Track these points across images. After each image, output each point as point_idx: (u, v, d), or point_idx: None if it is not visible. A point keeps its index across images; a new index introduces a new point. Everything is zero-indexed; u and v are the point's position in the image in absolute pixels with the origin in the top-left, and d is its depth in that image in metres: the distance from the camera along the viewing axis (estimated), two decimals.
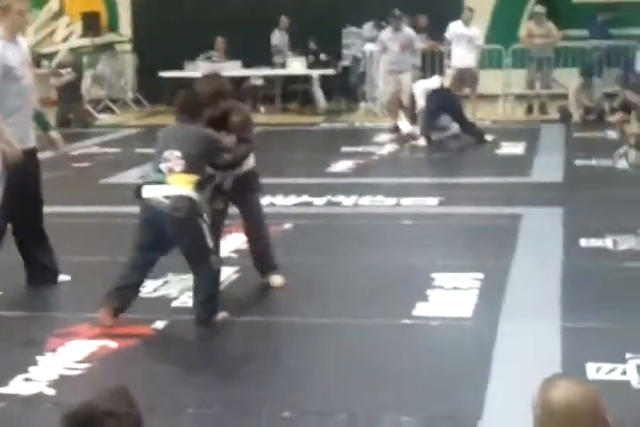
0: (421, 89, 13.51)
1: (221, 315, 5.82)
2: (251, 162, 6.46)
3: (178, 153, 5.66)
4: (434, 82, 13.62)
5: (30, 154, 6.56)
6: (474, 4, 18.62)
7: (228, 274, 6.74)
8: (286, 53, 18.69)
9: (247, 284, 6.72)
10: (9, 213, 6.46)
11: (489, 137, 13.42)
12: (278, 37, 18.90)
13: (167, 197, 5.57)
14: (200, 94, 6.09)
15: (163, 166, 5.66)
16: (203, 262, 5.69)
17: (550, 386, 2.59)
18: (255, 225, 6.57)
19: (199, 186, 5.68)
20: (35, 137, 6.66)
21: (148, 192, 5.65)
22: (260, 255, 6.62)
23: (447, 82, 13.60)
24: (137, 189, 5.71)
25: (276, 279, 6.59)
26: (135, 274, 5.82)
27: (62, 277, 6.83)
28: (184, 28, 19.26)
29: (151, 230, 5.70)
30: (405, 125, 13.84)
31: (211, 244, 5.71)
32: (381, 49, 15.37)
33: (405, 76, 14.90)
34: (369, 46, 17.39)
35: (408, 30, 15.30)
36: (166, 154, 5.68)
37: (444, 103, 13.28)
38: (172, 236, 5.66)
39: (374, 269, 7.01)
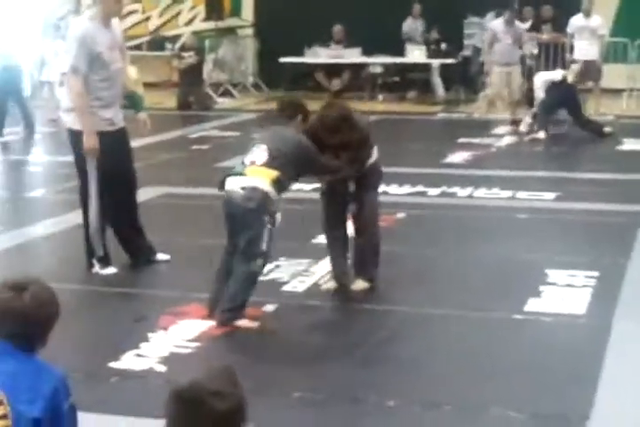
0: (542, 80, 13.31)
1: (245, 321, 5.58)
2: (373, 157, 6.24)
3: (264, 146, 5.61)
4: (556, 74, 13.40)
5: (120, 133, 6.64)
6: None
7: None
8: (417, 41, 18.62)
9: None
10: (106, 198, 6.54)
11: (607, 129, 13.17)
12: (410, 25, 18.82)
13: (243, 188, 5.51)
14: (323, 120, 5.95)
15: (247, 159, 5.62)
16: (246, 261, 5.53)
17: None
18: (362, 225, 6.28)
19: (278, 183, 5.55)
20: (122, 117, 6.70)
21: (229, 184, 5.59)
22: (358, 256, 6.36)
23: (571, 77, 13.34)
24: (221, 182, 5.68)
25: (359, 283, 6.28)
26: (229, 260, 5.74)
27: (161, 256, 6.91)
28: (305, 14, 19.30)
29: (230, 222, 5.64)
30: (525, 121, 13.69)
31: (264, 247, 5.51)
32: (491, 40, 15.15)
33: (516, 68, 14.75)
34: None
35: (519, 24, 15.15)
36: (254, 148, 5.66)
37: (564, 97, 13.06)
38: (237, 225, 5.56)
39: (487, 263, 6.94)
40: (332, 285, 6.30)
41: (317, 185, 6.59)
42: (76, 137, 6.49)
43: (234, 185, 5.55)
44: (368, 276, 6.30)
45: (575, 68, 13.85)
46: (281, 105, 6.07)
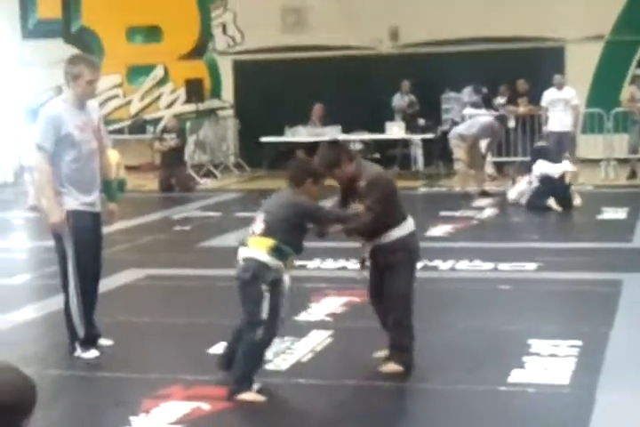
0: (540, 172, 13.29)
1: (251, 395, 5.60)
2: (395, 233, 6.03)
3: (262, 216, 5.67)
4: (556, 170, 13.33)
5: (97, 218, 6.66)
6: (574, 67, 18.66)
7: (322, 338, 6.74)
8: (405, 115, 18.91)
9: (340, 348, 6.69)
10: (80, 271, 6.52)
11: (577, 200, 13.26)
12: (398, 99, 19.12)
13: (243, 259, 5.60)
14: (320, 161, 5.99)
15: (251, 228, 5.70)
16: (249, 329, 5.56)
17: None
18: (387, 300, 6.12)
19: (277, 250, 5.57)
20: (100, 202, 6.70)
21: (238, 255, 5.68)
22: (389, 331, 6.21)
23: (568, 178, 13.34)
24: (236, 251, 5.75)
25: (390, 366, 6.10)
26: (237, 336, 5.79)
27: (104, 342, 6.80)
28: (284, 94, 19.58)
29: (239, 293, 5.68)
30: (513, 191, 13.77)
31: (265, 315, 5.51)
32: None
33: (482, 142, 15.14)
34: (468, 110, 17.45)
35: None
36: (257, 215, 5.73)
37: (557, 192, 13.13)
38: (241, 296, 5.62)
39: (470, 335, 6.93)
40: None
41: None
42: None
43: (239, 256, 5.64)
44: (394, 347, 6.14)
45: (573, 169, 13.81)
46: (289, 172, 5.92)
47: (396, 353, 6.12)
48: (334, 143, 6.39)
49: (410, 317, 6.13)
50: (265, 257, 5.54)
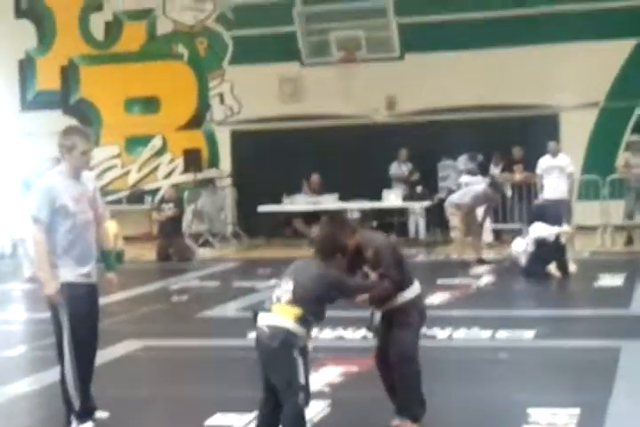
0: (537, 235, 13.31)
1: None
2: (406, 295, 6.15)
3: (290, 284, 5.70)
4: (551, 232, 13.30)
5: (93, 288, 6.65)
6: (569, 134, 18.86)
7: (320, 408, 6.70)
8: (407, 183, 19.04)
9: (338, 419, 6.65)
10: (76, 343, 6.50)
11: (572, 267, 13.28)
12: (396, 168, 19.28)
13: (268, 327, 5.61)
14: (322, 238, 6.03)
15: (274, 295, 5.73)
16: (289, 397, 5.59)
17: None
18: (393, 363, 6.20)
19: (303, 319, 5.63)
20: (96, 273, 6.69)
21: (260, 320, 5.69)
22: (395, 394, 6.29)
23: (564, 239, 13.38)
24: (254, 316, 5.76)
25: (404, 424, 6.20)
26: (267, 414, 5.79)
27: (100, 414, 6.73)
28: (281, 164, 19.72)
29: (262, 364, 5.71)
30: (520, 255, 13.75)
31: (302, 380, 5.59)
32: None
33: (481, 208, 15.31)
34: (464, 178, 17.55)
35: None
36: (282, 283, 5.76)
37: (553, 255, 13.20)
38: (265, 365, 5.66)
39: (468, 405, 6.89)
40: None
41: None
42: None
43: (262, 322, 5.65)
44: (402, 410, 6.21)
45: (568, 230, 13.85)
46: (319, 245, 5.94)
47: (403, 411, 6.21)
48: (335, 218, 6.43)
49: (417, 378, 6.23)
50: (292, 325, 5.59)
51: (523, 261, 13.41)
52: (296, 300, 5.63)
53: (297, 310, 5.60)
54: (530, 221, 13.69)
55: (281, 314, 5.61)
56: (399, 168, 19.36)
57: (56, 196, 6.48)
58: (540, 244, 13.21)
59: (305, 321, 5.64)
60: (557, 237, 13.25)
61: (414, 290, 6.23)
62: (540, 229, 13.35)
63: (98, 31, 22.21)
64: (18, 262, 15.36)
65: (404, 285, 6.14)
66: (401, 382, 6.19)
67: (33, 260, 14.64)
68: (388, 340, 6.19)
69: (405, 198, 18.58)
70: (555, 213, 13.98)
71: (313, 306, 5.68)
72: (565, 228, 13.61)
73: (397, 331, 6.15)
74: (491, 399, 6.99)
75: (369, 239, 6.15)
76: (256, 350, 5.72)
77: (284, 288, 5.69)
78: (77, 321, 6.45)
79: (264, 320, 5.65)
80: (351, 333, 9.37)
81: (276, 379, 5.63)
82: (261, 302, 5.99)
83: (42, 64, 22.56)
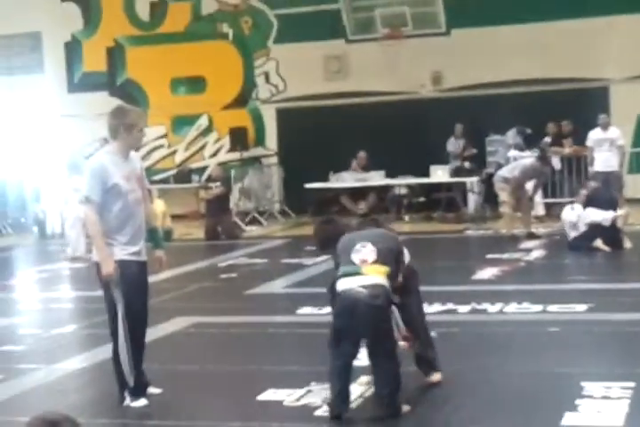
0: (591, 219, 13.12)
1: (405, 408, 5.91)
2: (407, 258, 6.41)
3: (370, 245, 5.88)
4: (607, 217, 13.06)
5: (143, 266, 6.68)
6: (619, 107, 18.59)
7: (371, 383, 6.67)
8: (459, 159, 18.94)
9: None
10: (129, 320, 6.51)
11: (627, 243, 13.09)
12: (453, 144, 19.20)
13: (364, 287, 5.71)
14: (316, 239, 6.57)
15: (355, 258, 5.85)
16: (388, 354, 5.76)
17: None
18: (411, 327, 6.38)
19: (390, 277, 5.83)
20: (145, 251, 6.71)
21: (344, 284, 5.79)
22: (418, 357, 6.58)
23: (620, 222, 13.12)
24: (330, 286, 5.88)
25: (434, 376, 6.58)
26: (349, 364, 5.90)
27: (153, 390, 6.77)
28: (328, 141, 19.68)
29: (348, 323, 5.77)
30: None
31: (397, 334, 5.82)
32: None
33: (530, 183, 15.12)
34: (512, 153, 17.42)
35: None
36: (357, 246, 5.89)
37: (607, 237, 12.99)
38: (366, 325, 5.75)
39: (521, 377, 6.83)
40: None
41: None
42: (100, 268, 6.54)
43: (352, 284, 5.76)
44: (431, 368, 6.60)
45: (624, 213, 13.46)
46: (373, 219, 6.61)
47: (432, 368, 6.58)
48: (329, 221, 6.74)
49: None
50: (386, 282, 5.81)
51: (571, 234, 13.25)
52: (382, 259, 5.84)
53: (386, 268, 5.83)
54: (584, 205, 13.38)
55: (374, 273, 5.78)
56: (455, 143, 19.26)
57: (108, 175, 6.48)
58: (594, 227, 12.99)
59: (392, 278, 5.86)
60: (613, 221, 13.02)
61: (407, 255, 6.45)
62: (595, 214, 13.11)
63: (143, 12, 22.26)
64: (66, 242, 15.49)
65: None
66: (422, 343, 6.53)
67: (74, 240, 14.90)
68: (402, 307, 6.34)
69: (453, 174, 18.48)
70: (609, 197, 13.77)
71: (394, 265, 5.92)
72: (620, 211, 13.36)
73: (407, 297, 6.36)
74: (544, 373, 6.92)
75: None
76: (345, 312, 5.75)
77: (366, 251, 5.85)
78: (130, 298, 6.47)
79: (356, 282, 5.76)
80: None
81: (376, 337, 5.77)
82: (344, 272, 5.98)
83: (88, 46, 22.66)
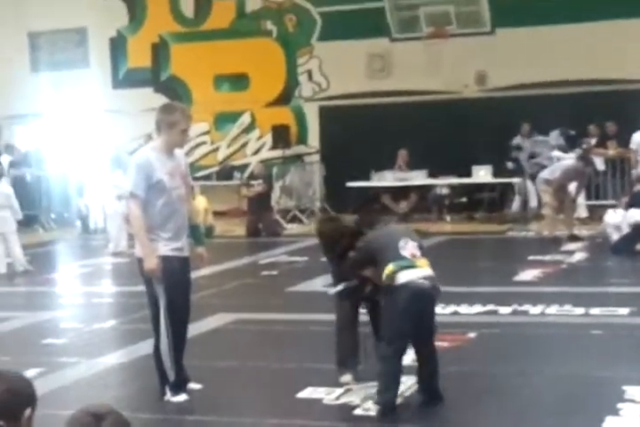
0: (635, 220, 12.99)
1: None
2: None
3: (412, 241, 6.16)
4: None
5: (186, 262, 6.72)
6: None
7: (411, 383, 6.66)
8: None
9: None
10: (171, 315, 6.55)
11: None
12: (519, 142, 19.03)
13: (425, 278, 6.01)
14: (319, 236, 6.90)
15: (405, 253, 6.07)
16: (434, 346, 6.19)
17: None
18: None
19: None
20: (187, 247, 6.76)
21: (407, 276, 5.99)
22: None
23: None
24: (389, 278, 5.97)
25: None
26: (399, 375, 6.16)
27: (193, 386, 6.80)
28: (370, 139, 19.66)
29: (413, 313, 5.98)
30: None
31: None
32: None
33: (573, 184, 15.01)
34: (556, 153, 17.31)
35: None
36: (401, 243, 6.12)
37: None
38: (431, 313, 6.16)
39: (562, 380, 6.80)
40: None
41: None
42: (142, 264, 6.58)
43: (416, 276, 6.01)
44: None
45: None
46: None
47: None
48: (332, 220, 7.10)
49: None
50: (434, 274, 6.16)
51: (614, 237, 13.15)
52: (423, 253, 6.16)
53: (428, 261, 6.15)
54: (628, 207, 13.26)
55: (426, 266, 6.10)
56: (523, 142, 19.06)
57: (152, 171, 6.52)
58: (637, 228, 12.88)
59: None
60: None
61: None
62: (637, 214, 13.00)
63: (188, 9, 22.35)
64: (107, 237, 15.61)
65: None
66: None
67: (115, 235, 15.02)
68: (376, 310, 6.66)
69: (496, 174, 18.39)
70: None
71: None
72: None
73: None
74: (585, 376, 6.88)
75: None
76: (413, 300, 5.93)
77: (410, 246, 6.11)
78: (173, 294, 6.51)
79: (416, 274, 6.01)
80: (440, 309, 9.30)
81: (429, 326, 6.15)
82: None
83: (133, 42, 22.79)
